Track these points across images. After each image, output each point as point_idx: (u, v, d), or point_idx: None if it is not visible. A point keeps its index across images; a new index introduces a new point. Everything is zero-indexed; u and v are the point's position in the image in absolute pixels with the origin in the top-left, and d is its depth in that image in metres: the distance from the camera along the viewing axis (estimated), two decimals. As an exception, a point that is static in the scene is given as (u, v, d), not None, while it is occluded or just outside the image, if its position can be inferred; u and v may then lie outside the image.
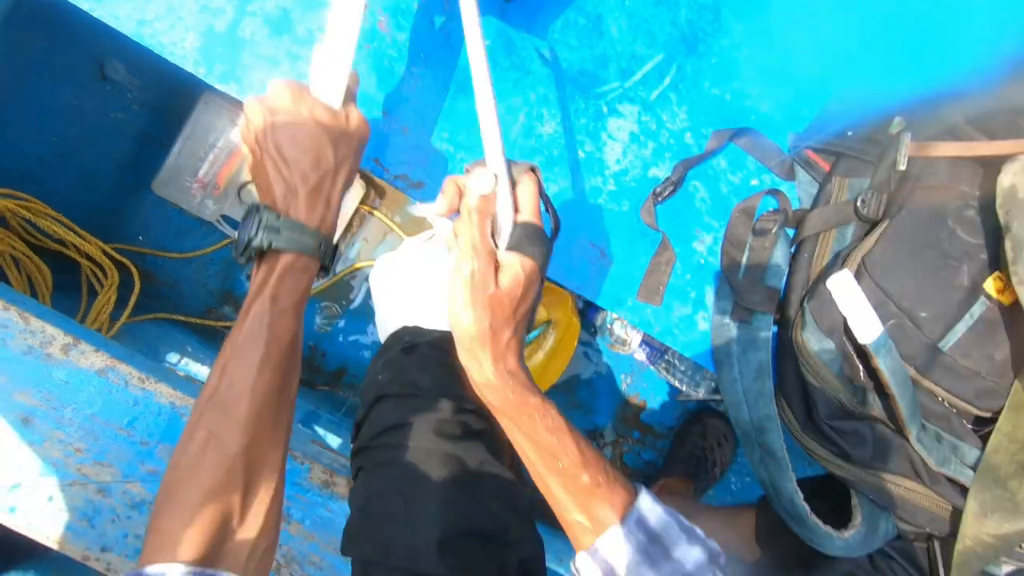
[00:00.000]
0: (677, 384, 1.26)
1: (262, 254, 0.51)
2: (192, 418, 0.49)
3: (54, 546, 0.66)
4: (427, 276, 1.07)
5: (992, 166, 0.64)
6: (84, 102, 0.96)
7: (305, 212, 0.52)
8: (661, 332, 0.74)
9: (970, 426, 0.67)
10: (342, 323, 1.19)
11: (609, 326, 1.25)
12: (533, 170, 0.51)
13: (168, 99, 1.05)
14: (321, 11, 0.71)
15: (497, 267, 0.48)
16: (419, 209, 0.54)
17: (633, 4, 0.77)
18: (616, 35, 0.77)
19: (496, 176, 0.48)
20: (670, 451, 1.24)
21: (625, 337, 1.24)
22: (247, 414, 0.48)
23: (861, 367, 0.67)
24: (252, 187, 1.08)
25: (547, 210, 0.54)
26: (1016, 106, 0.64)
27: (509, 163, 0.50)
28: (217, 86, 0.69)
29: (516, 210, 0.50)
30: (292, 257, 0.51)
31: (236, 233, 1.07)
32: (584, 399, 1.29)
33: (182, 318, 1.09)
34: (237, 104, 1.05)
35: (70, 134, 0.96)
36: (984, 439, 0.65)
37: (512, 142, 0.73)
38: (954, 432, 0.66)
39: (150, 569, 0.41)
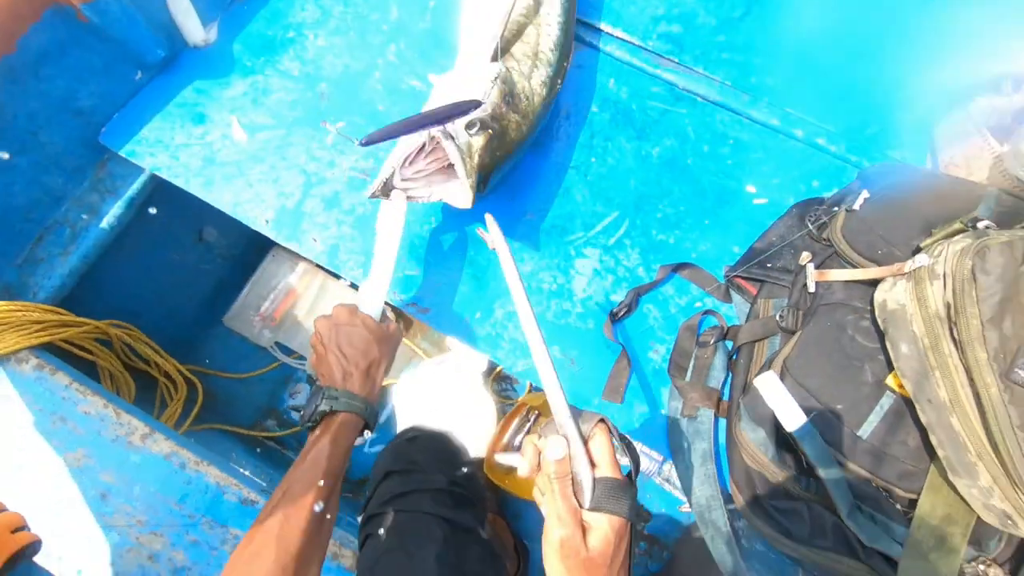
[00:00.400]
0: (678, 495, 1.31)
1: (322, 417, 0.71)
2: (250, 532, 0.61)
3: (105, 609, 0.78)
4: (438, 392, 1.25)
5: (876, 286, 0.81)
6: (184, 258, 1.26)
7: (359, 387, 0.73)
8: (624, 427, 0.87)
9: (903, 508, 0.75)
10: (368, 435, 1.34)
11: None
12: (603, 421, 0.52)
13: (244, 253, 1.35)
14: (360, 193, 0.98)
15: (585, 528, 0.48)
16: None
17: (593, 178, 1.02)
18: (580, 200, 1.01)
19: (567, 439, 0.50)
20: (670, 562, 1.25)
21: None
22: (303, 521, 0.61)
23: (798, 453, 0.77)
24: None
25: (625, 453, 0.55)
26: (884, 236, 0.82)
27: (577, 419, 0.52)
28: (283, 244, 0.95)
29: (593, 465, 0.50)
30: (346, 416, 0.71)
31: (285, 357, 1.28)
32: (588, 518, 1.34)
33: (231, 429, 1.27)
34: (295, 256, 1.34)
35: (168, 281, 1.24)
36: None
37: (499, 276, 0.95)
38: (885, 513, 0.74)
39: None
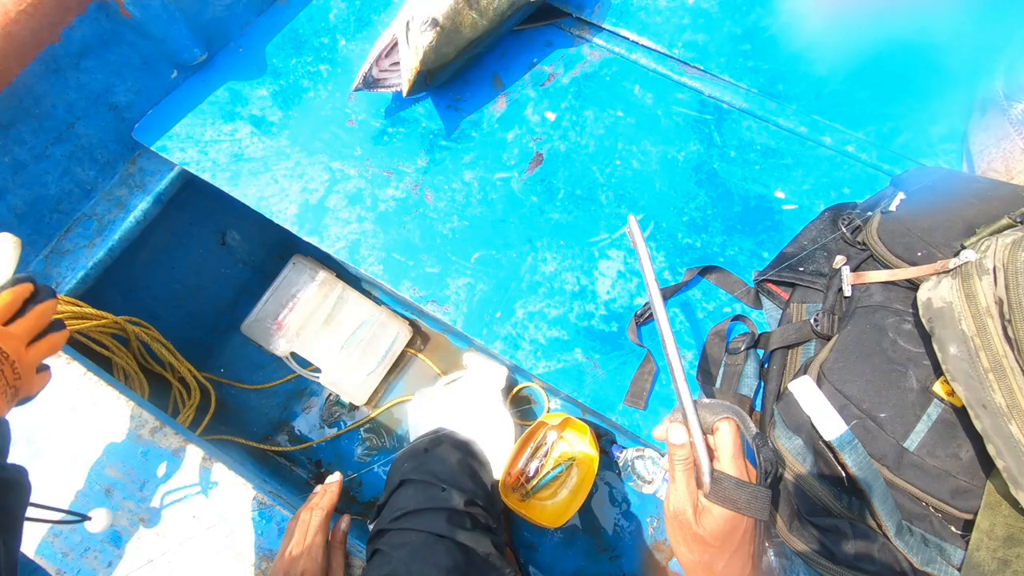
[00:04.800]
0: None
1: None
2: None
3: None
4: (454, 409, 1.21)
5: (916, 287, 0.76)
6: (206, 261, 1.26)
7: None
8: (648, 435, 0.83)
9: (957, 531, 0.69)
10: (381, 455, 1.30)
11: (631, 465, 1.29)
12: (731, 418, 0.53)
13: (265, 260, 1.35)
14: (384, 190, 0.98)
15: (701, 510, 0.51)
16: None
17: (618, 181, 1.01)
18: (605, 202, 0.99)
19: (688, 430, 0.53)
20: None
21: (647, 476, 1.27)
22: None
23: (837, 465, 0.72)
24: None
25: (759, 453, 0.54)
26: (924, 237, 0.78)
27: (699, 411, 0.54)
28: (304, 238, 0.94)
29: (713, 457, 0.53)
30: None
31: (300, 368, 1.25)
32: (610, 542, 1.27)
33: (242, 441, 1.24)
34: (316, 265, 1.33)
35: (189, 284, 1.24)
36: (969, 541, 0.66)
37: (520, 276, 0.93)
38: (938, 534, 0.68)
39: None
